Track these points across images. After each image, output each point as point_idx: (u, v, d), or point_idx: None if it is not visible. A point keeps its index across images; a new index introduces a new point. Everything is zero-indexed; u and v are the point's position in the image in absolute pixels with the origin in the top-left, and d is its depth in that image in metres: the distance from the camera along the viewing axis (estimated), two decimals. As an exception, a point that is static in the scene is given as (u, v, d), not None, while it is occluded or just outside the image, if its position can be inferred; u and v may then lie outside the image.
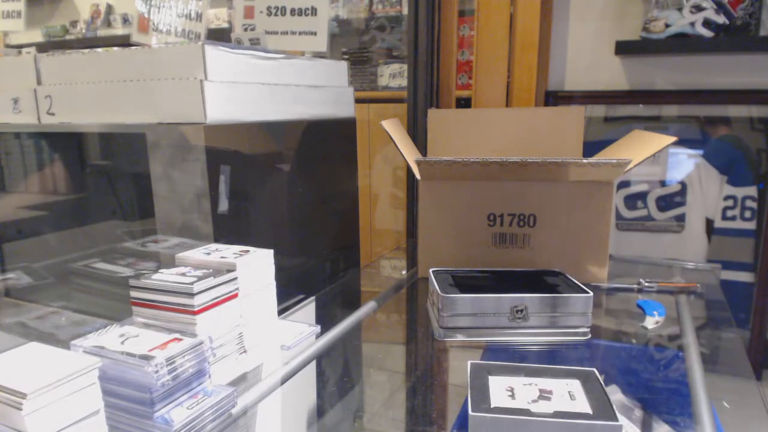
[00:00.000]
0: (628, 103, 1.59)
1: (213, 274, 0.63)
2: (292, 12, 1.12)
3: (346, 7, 2.56)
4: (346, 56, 2.51)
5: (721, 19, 1.38)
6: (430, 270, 0.91)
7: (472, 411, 0.55)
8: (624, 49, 1.49)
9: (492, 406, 0.57)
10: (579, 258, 0.98)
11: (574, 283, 0.85)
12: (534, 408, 0.56)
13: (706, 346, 0.78)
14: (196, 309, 0.60)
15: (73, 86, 0.91)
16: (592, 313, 0.79)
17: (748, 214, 1.56)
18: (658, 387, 0.70)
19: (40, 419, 0.45)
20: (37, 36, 3.22)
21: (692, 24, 1.39)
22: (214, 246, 0.73)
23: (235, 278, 0.65)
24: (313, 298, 1.03)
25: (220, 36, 1.70)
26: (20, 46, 2.68)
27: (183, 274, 0.63)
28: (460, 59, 2.23)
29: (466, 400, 0.63)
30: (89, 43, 3.08)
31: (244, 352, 0.68)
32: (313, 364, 0.77)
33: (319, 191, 1.08)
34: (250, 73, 0.89)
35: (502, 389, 0.60)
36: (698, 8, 1.38)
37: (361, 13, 2.55)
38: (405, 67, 2.22)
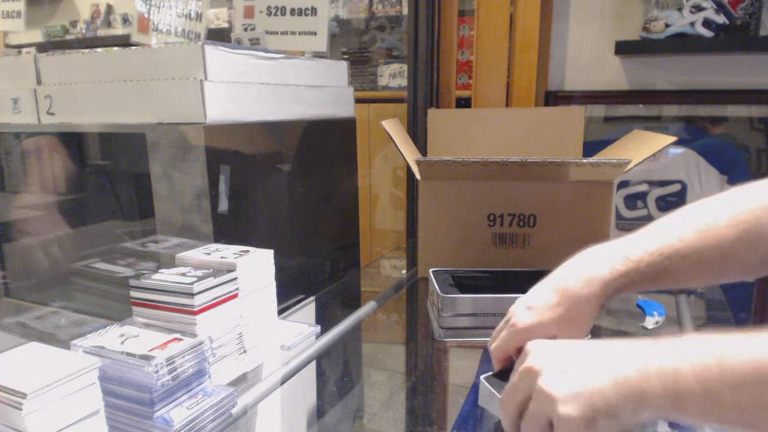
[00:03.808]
0: (628, 103, 1.59)
1: (213, 274, 0.63)
2: (292, 12, 1.12)
3: (346, 7, 2.56)
4: (346, 56, 2.51)
5: (721, 19, 1.38)
6: (430, 270, 0.91)
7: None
8: (624, 49, 1.49)
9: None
10: (579, 258, 0.98)
11: (574, 283, 0.85)
12: None
13: (706, 346, 0.78)
14: (196, 309, 0.60)
15: (73, 86, 0.91)
16: (592, 313, 0.79)
17: (748, 214, 1.56)
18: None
19: (40, 419, 0.45)
20: (37, 36, 3.22)
21: (692, 24, 1.39)
22: (214, 246, 0.73)
23: (235, 278, 0.65)
24: (313, 298, 1.03)
25: (220, 36, 1.69)
26: (20, 46, 2.69)
27: (183, 274, 0.63)
28: (460, 59, 2.23)
29: (467, 399, 0.63)
30: (89, 43, 3.08)
31: (244, 352, 0.68)
32: (313, 364, 0.77)
33: (319, 191, 1.08)
34: (250, 73, 0.89)
35: None
36: (698, 8, 1.38)
37: (361, 13, 2.55)
38: (405, 67, 2.22)
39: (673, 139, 0.93)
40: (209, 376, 0.60)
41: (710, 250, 0.56)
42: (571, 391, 0.44)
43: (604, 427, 0.43)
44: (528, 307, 0.58)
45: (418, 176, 1.01)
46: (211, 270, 0.65)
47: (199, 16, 1.23)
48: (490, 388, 0.60)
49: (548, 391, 0.45)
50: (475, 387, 0.66)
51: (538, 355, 0.49)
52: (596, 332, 0.82)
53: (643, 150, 0.96)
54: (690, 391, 0.40)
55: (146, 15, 1.24)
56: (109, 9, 3.14)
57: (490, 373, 0.62)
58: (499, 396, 0.58)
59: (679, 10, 1.40)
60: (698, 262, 0.56)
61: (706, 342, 0.42)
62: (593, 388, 0.43)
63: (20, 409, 0.44)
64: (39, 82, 0.95)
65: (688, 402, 0.40)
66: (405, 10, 2.39)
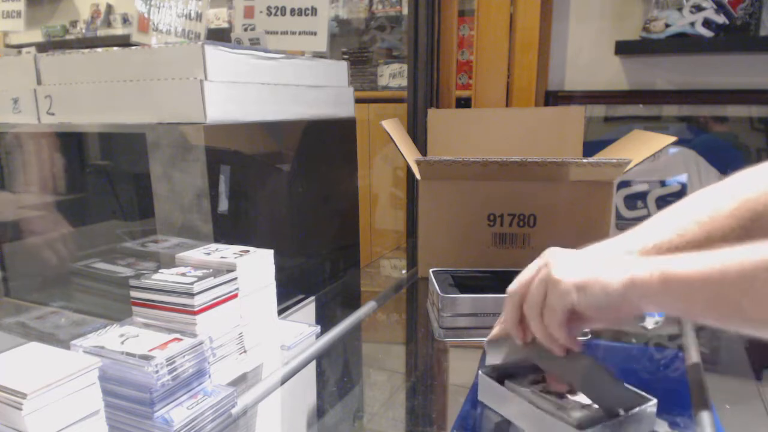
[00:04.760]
0: (628, 103, 1.59)
1: (213, 274, 0.63)
2: (292, 12, 1.12)
3: (346, 7, 2.56)
4: (346, 56, 2.51)
5: (721, 19, 1.38)
6: (430, 270, 0.91)
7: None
8: (624, 49, 1.49)
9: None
10: (579, 258, 0.98)
11: (574, 283, 0.85)
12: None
13: (706, 346, 0.78)
14: (196, 309, 0.60)
15: (73, 86, 0.91)
16: (592, 313, 0.79)
17: (748, 214, 1.55)
18: (658, 387, 0.70)
19: (40, 419, 0.45)
20: (37, 36, 3.22)
21: (692, 24, 1.39)
22: (214, 246, 0.73)
23: (235, 278, 0.65)
24: (313, 298, 1.03)
25: (220, 36, 1.70)
26: (20, 46, 2.68)
27: (183, 274, 0.63)
28: (460, 59, 2.23)
29: (466, 400, 0.63)
30: (89, 43, 3.07)
31: (244, 352, 0.68)
32: (313, 364, 0.77)
33: (319, 191, 1.08)
34: (250, 73, 0.89)
35: None
36: (698, 8, 1.38)
37: (361, 13, 2.55)
38: (405, 67, 2.22)
39: (673, 139, 0.93)
40: (209, 376, 0.60)
41: (714, 242, 0.53)
42: (568, 259, 0.53)
43: (593, 292, 0.49)
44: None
45: (418, 176, 1.01)
46: (211, 270, 0.65)
47: (199, 16, 1.23)
48: (490, 380, 0.60)
49: (548, 259, 0.54)
50: (475, 387, 0.66)
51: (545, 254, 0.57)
52: (597, 332, 0.82)
53: (643, 150, 0.96)
54: (672, 273, 0.46)
55: (146, 15, 1.24)
56: (109, 9, 3.14)
57: (489, 367, 0.62)
58: (499, 385, 0.58)
59: (679, 10, 1.40)
60: None
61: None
62: (587, 260, 0.53)
63: (20, 409, 0.44)
64: (39, 82, 0.95)
65: (672, 282, 0.45)
66: (405, 10, 2.39)
